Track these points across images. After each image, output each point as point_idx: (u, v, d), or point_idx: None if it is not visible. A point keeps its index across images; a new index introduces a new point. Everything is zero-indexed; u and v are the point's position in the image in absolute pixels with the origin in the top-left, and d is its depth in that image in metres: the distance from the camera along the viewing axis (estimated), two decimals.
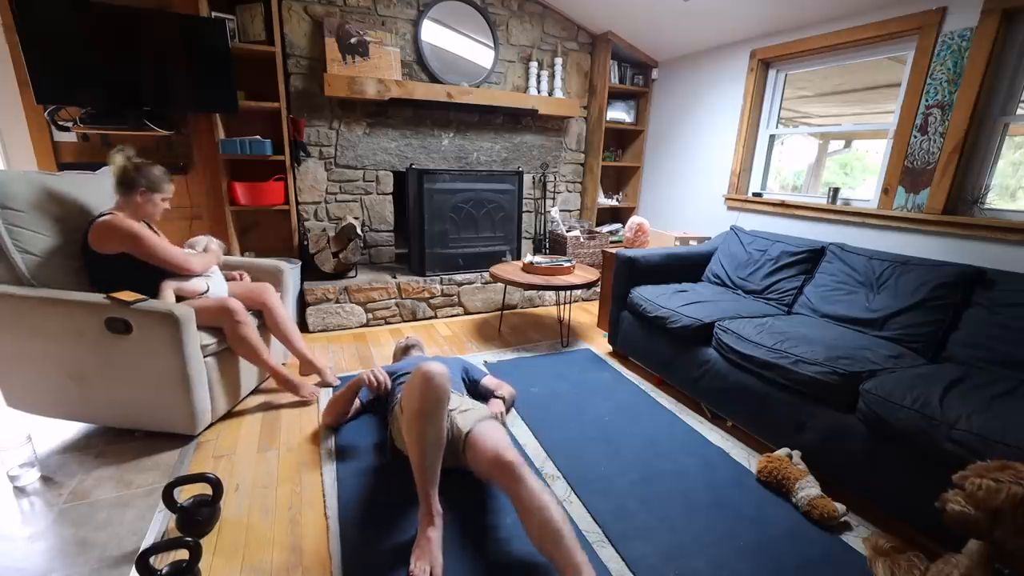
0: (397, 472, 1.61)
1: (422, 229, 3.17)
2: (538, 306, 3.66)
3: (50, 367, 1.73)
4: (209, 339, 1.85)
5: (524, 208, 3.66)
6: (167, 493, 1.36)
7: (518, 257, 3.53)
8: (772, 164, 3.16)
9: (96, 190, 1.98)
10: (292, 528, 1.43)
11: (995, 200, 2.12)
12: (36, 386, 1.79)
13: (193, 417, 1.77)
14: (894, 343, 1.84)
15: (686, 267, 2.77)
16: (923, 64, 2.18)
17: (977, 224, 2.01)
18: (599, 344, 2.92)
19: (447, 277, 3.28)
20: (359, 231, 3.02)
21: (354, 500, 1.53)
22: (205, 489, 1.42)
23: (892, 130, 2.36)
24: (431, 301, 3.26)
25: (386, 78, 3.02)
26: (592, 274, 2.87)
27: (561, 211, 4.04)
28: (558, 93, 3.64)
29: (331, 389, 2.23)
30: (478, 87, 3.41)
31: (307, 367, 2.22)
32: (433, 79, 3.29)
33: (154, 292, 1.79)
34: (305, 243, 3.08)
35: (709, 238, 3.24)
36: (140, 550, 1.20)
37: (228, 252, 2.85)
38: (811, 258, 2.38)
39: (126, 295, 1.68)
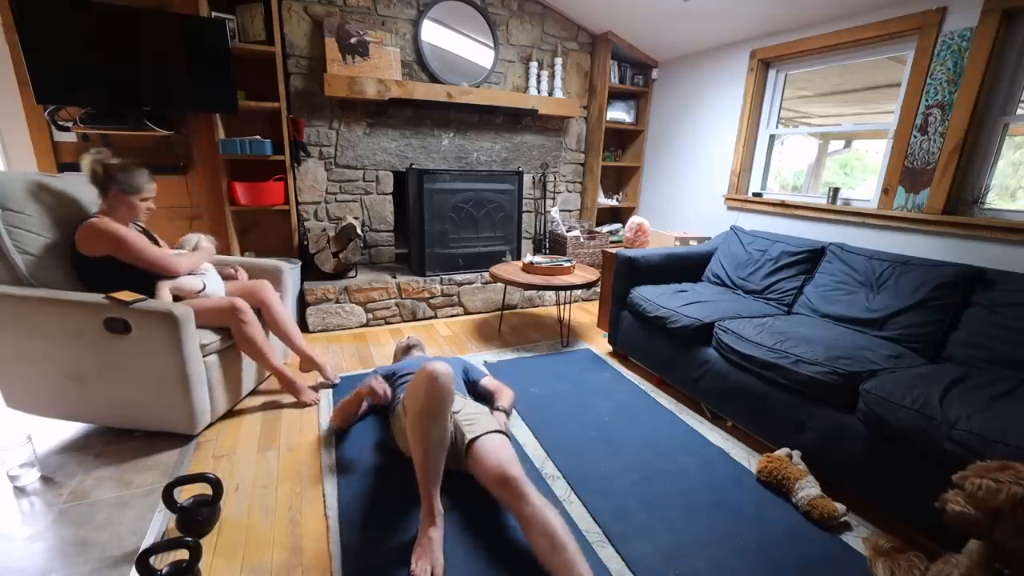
0: (398, 472, 1.61)
1: (422, 229, 3.17)
2: (538, 306, 3.66)
3: (49, 367, 1.73)
4: (209, 338, 1.85)
5: (524, 208, 3.66)
6: (167, 493, 1.36)
7: (518, 257, 3.53)
8: (772, 164, 3.16)
9: (93, 191, 1.97)
10: (292, 528, 1.43)
11: (995, 200, 2.12)
12: (36, 386, 1.79)
13: (192, 417, 1.77)
14: (894, 343, 1.84)
15: (686, 267, 2.77)
16: (923, 64, 2.18)
17: (977, 224, 2.01)
18: (599, 344, 2.92)
19: (447, 277, 3.28)
20: (359, 231, 3.02)
21: (354, 500, 1.53)
22: (205, 489, 1.42)
23: (892, 130, 2.36)
24: (431, 301, 3.26)
25: (386, 78, 3.02)
26: (592, 274, 2.87)
27: (561, 211, 4.04)
28: (558, 93, 3.64)
29: (332, 388, 2.23)
30: (478, 87, 3.41)
31: (307, 363, 2.22)
32: (433, 79, 3.29)
33: (140, 292, 1.78)
34: (305, 243, 3.08)
35: (709, 238, 3.24)
36: (140, 550, 1.20)
37: (228, 252, 2.86)
38: (811, 258, 2.38)
39: (125, 295, 1.67)
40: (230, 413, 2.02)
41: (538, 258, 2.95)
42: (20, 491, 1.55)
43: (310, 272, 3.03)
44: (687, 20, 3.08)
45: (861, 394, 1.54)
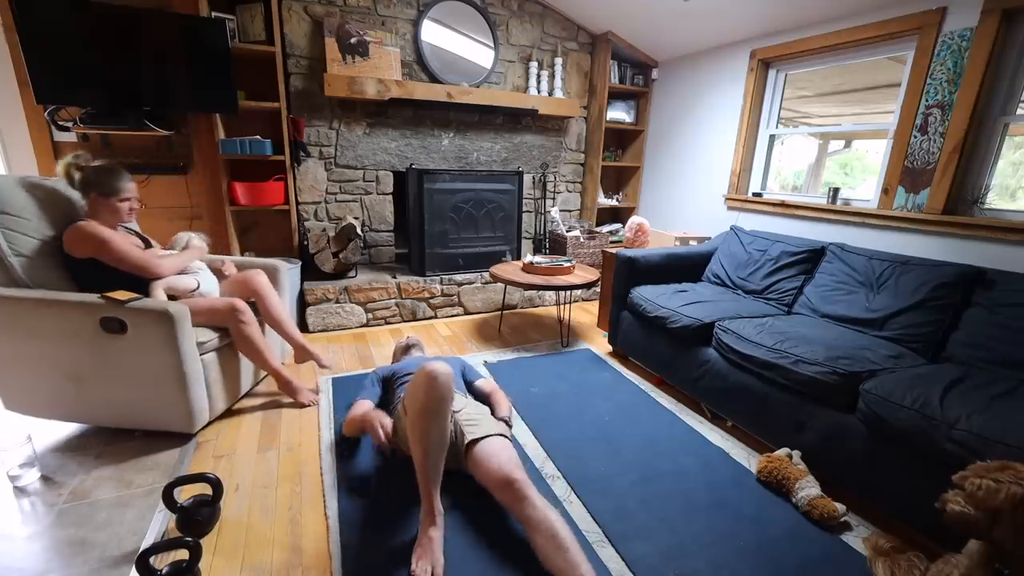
0: (398, 472, 1.61)
1: (422, 229, 3.17)
2: (538, 306, 3.66)
3: (47, 368, 1.73)
4: (206, 336, 1.85)
5: (524, 208, 3.66)
6: (167, 493, 1.36)
7: (518, 257, 3.53)
8: (772, 164, 3.16)
9: None
10: (292, 528, 1.43)
11: (995, 200, 2.12)
12: (34, 388, 1.78)
13: (191, 416, 1.77)
14: (894, 343, 1.84)
15: (686, 267, 2.77)
16: (923, 64, 2.18)
17: (977, 224, 2.01)
18: (599, 344, 2.92)
19: (447, 277, 3.28)
20: (359, 231, 3.02)
21: (354, 500, 1.53)
22: (205, 489, 1.42)
23: (892, 130, 2.36)
24: (431, 301, 3.26)
25: (386, 78, 3.02)
26: (592, 274, 2.87)
27: (561, 211, 4.04)
28: (558, 93, 3.64)
29: (332, 388, 2.23)
30: (478, 87, 3.41)
31: (302, 353, 2.20)
32: (433, 79, 3.29)
33: (134, 292, 1.77)
34: (305, 243, 3.08)
35: (709, 238, 3.24)
36: (140, 550, 1.20)
37: (228, 252, 2.86)
38: (811, 258, 2.38)
39: (120, 294, 1.67)
40: (230, 413, 2.02)
41: (538, 258, 2.95)
42: (20, 491, 1.55)
43: (310, 272, 3.03)
44: (687, 20, 3.08)
45: (861, 394, 1.54)
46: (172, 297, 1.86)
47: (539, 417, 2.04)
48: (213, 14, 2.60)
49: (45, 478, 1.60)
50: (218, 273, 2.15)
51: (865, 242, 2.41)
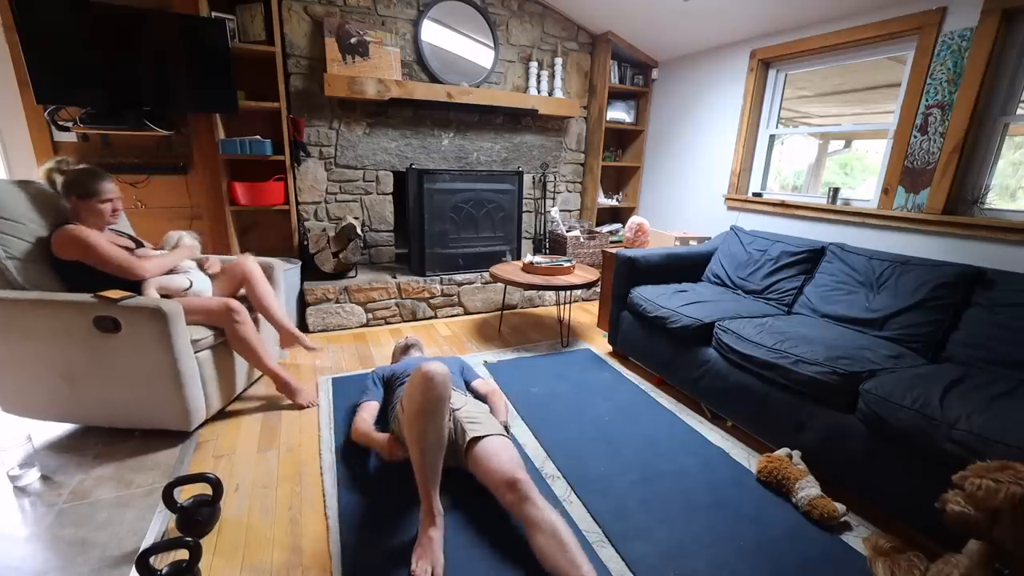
0: (398, 472, 1.61)
1: (422, 229, 3.17)
2: (538, 306, 3.66)
3: (42, 369, 1.73)
4: (200, 334, 1.85)
5: (524, 208, 3.66)
6: (167, 493, 1.36)
7: (518, 257, 3.53)
8: (772, 164, 3.16)
9: None
10: (292, 528, 1.43)
11: (995, 200, 2.12)
12: (30, 389, 1.78)
13: (187, 414, 1.77)
14: (894, 343, 1.84)
15: (686, 267, 2.77)
16: (923, 64, 2.18)
17: (977, 224, 2.01)
18: (599, 344, 2.92)
19: (447, 277, 3.28)
20: (359, 231, 3.02)
21: (354, 500, 1.53)
22: (205, 489, 1.42)
23: (892, 130, 2.36)
24: (431, 301, 3.26)
25: (386, 78, 3.02)
26: (592, 274, 2.87)
27: (561, 211, 4.04)
28: (558, 93, 3.64)
29: (332, 387, 2.24)
30: (478, 87, 3.41)
31: (287, 338, 2.18)
32: (433, 79, 3.29)
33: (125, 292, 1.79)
34: (305, 243, 3.08)
35: (709, 238, 3.24)
36: (140, 550, 1.20)
37: (228, 252, 2.86)
38: (811, 258, 2.38)
39: (113, 293, 1.68)
40: (230, 413, 2.02)
41: (538, 258, 2.95)
42: (20, 491, 1.55)
43: (310, 272, 3.03)
44: (687, 20, 3.08)
45: (861, 394, 1.54)
46: (166, 296, 1.86)
47: (539, 417, 2.04)
48: (213, 14, 2.60)
49: (45, 478, 1.60)
50: (202, 268, 2.15)
51: (865, 242, 2.41)
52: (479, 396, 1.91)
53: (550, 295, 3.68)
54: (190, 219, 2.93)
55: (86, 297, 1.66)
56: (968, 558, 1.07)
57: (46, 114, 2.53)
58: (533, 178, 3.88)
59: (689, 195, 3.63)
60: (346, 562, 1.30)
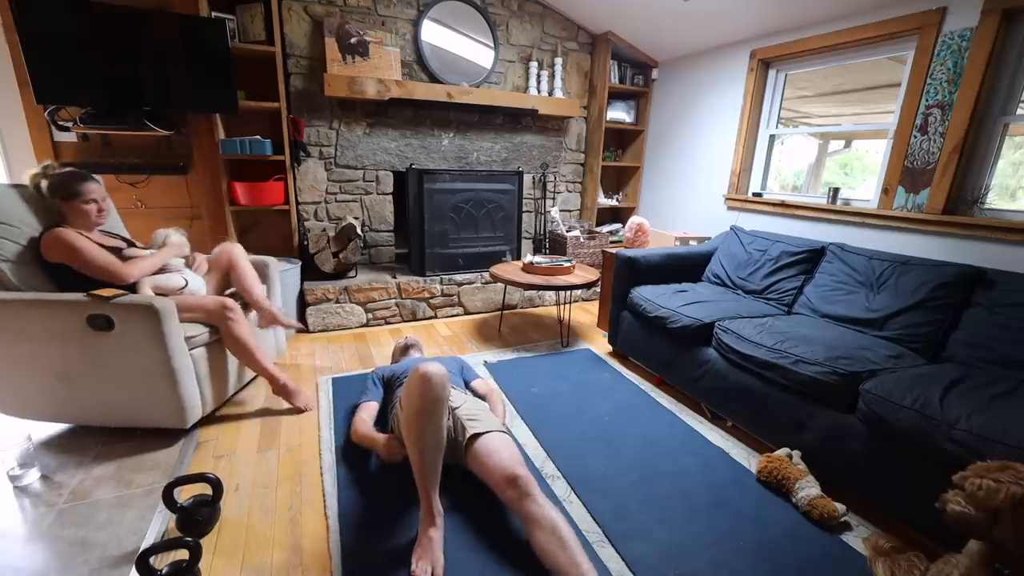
0: (398, 472, 1.61)
1: (422, 229, 3.17)
2: (538, 306, 3.66)
3: (37, 369, 1.73)
4: (194, 331, 1.85)
5: (524, 208, 3.66)
6: (167, 493, 1.36)
7: (518, 257, 3.53)
8: (772, 164, 3.16)
9: None
10: (292, 528, 1.43)
11: (995, 200, 2.12)
12: (26, 390, 1.78)
13: (182, 411, 1.77)
14: (894, 343, 1.84)
15: (686, 267, 2.77)
16: (923, 64, 2.18)
17: (977, 224, 2.01)
18: (599, 344, 2.92)
19: (447, 277, 3.28)
20: (359, 231, 3.02)
21: (354, 500, 1.53)
22: (205, 489, 1.42)
23: (892, 130, 2.36)
24: (431, 301, 3.26)
25: (386, 78, 3.02)
26: (592, 274, 2.87)
27: (561, 211, 4.04)
28: (558, 93, 3.64)
29: (333, 388, 2.23)
30: (478, 87, 3.41)
31: (267, 317, 2.15)
32: (433, 79, 3.29)
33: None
34: (305, 243, 3.08)
35: (709, 238, 3.24)
36: (140, 550, 1.20)
37: None
38: (811, 258, 2.38)
39: (105, 291, 1.68)
40: (229, 413, 2.02)
41: (538, 258, 2.95)
42: (20, 491, 1.55)
43: (310, 272, 3.03)
44: (687, 20, 3.08)
45: (861, 394, 1.54)
46: (162, 295, 1.86)
47: (539, 417, 2.04)
48: (213, 14, 2.60)
49: (45, 478, 1.60)
50: (187, 265, 2.15)
51: (865, 242, 2.41)
52: (477, 397, 1.91)
53: (550, 295, 3.68)
54: (190, 219, 2.93)
55: (79, 296, 1.66)
56: (968, 558, 1.07)
57: (46, 114, 2.53)
58: (533, 178, 3.88)
59: (689, 195, 3.63)
60: (346, 562, 1.30)
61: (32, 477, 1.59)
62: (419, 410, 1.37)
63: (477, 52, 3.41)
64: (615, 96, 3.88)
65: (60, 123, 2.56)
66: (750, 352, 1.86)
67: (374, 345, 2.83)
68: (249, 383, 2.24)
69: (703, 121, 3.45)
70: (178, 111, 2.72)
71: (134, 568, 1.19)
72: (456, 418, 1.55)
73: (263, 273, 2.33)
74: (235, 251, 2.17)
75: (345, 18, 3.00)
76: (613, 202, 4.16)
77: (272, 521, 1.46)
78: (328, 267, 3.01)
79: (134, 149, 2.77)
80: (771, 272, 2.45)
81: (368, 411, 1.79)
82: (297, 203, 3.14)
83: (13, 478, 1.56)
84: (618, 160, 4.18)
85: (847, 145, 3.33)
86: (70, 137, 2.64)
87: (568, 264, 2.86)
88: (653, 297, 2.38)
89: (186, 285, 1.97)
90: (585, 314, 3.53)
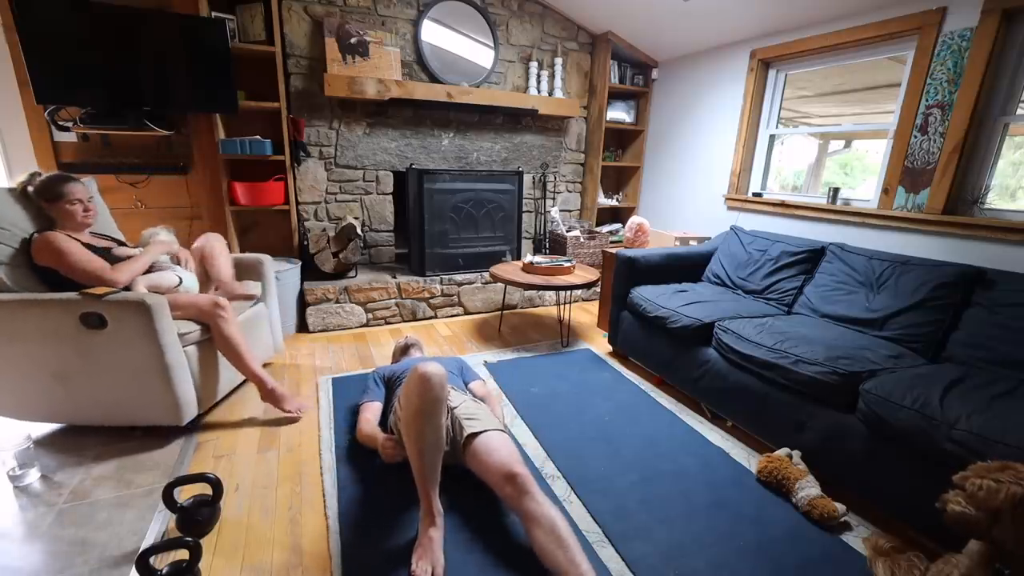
0: (398, 472, 1.61)
1: (422, 229, 3.17)
2: (538, 306, 3.66)
3: (33, 370, 1.73)
4: (187, 328, 1.85)
5: (524, 208, 3.66)
6: (167, 493, 1.36)
7: (518, 257, 3.53)
8: (772, 164, 3.16)
9: None
10: (292, 528, 1.43)
11: (995, 200, 2.12)
12: (22, 390, 1.78)
13: (177, 407, 1.77)
14: (894, 343, 1.84)
15: (686, 267, 2.77)
16: (923, 64, 2.18)
17: (977, 224, 2.01)
18: (599, 344, 2.92)
19: (447, 277, 3.28)
20: (359, 231, 3.02)
21: (354, 500, 1.53)
22: (205, 489, 1.43)
23: (892, 130, 2.36)
24: (431, 301, 3.26)
25: (386, 78, 3.02)
26: (592, 274, 2.87)
27: (561, 211, 4.04)
28: (558, 93, 3.64)
29: (333, 387, 2.23)
30: (478, 87, 3.41)
31: (225, 288, 2.12)
32: (433, 79, 3.29)
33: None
34: (305, 243, 3.08)
35: (709, 238, 3.24)
36: (140, 550, 1.20)
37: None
38: (811, 258, 2.38)
39: (97, 289, 1.68)
40: (229, 413, 2.02)
41: (538, 258, 2.95)
42: (20, 491, 1.55)
43: (310, 272, 3.03)
44: (687, 20, 3.08)
45: (861, 394, 1.54)
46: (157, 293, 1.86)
47: (539, 417, 2.04)
48: (213, 14, 2.60)
49: (45, 478, 1.61)
50: (177, 262, 2.15)
51: (865, 242, 2.41)
52: (476, 398, 1.91)
53: (550, 295, 3.68)
54: (190, 219, 2.93)
55: (71, 295, 1.67)
56: (968, 558, 1.07)
57: (46, 114, 2.53)
58: (533, 178, 3.88)
59: (689, 195, 3.63)
60: (346, 562, 1.30)
61: (32, 477, 1.59)
62: (418, 410, 1.37)
63: (477, 52, 3.41)
64: (615, 96, 3.88)
65: (60, 123, 2.56)
66: (750, 352, 1.86)
67: (374, 345, 2.83)
68: (245, 381, 2.24)
69: (703, 121, 3.45)
70: (178, 111, 2.72)
71: (134, 568, 1.19)
72: (454, 417, 1.55)
73: (257, 270, 2.33)
74: (210, 238, 2.18)
75: (345, 18, 3.00)
76: (613, 202, 4.16)
77: (272, 521, 1.46)
78: (328, 267, 3.01)
79: (134, 149, 2.77)
80: (771, 272, 2.45)
81: (371, 411, 1.79)
82: (297, 203, 3.14)
83: (13, 478, 1.56)
84: (618, 160, 4.18)
85: (847, 145, 3.33)
86: (70, 137, 2.64)
87: (568, 264, 2.86)
88: (653, 297, 2.38)
89: (180, 283, 1.98)
90: (585, 314, 3.53)
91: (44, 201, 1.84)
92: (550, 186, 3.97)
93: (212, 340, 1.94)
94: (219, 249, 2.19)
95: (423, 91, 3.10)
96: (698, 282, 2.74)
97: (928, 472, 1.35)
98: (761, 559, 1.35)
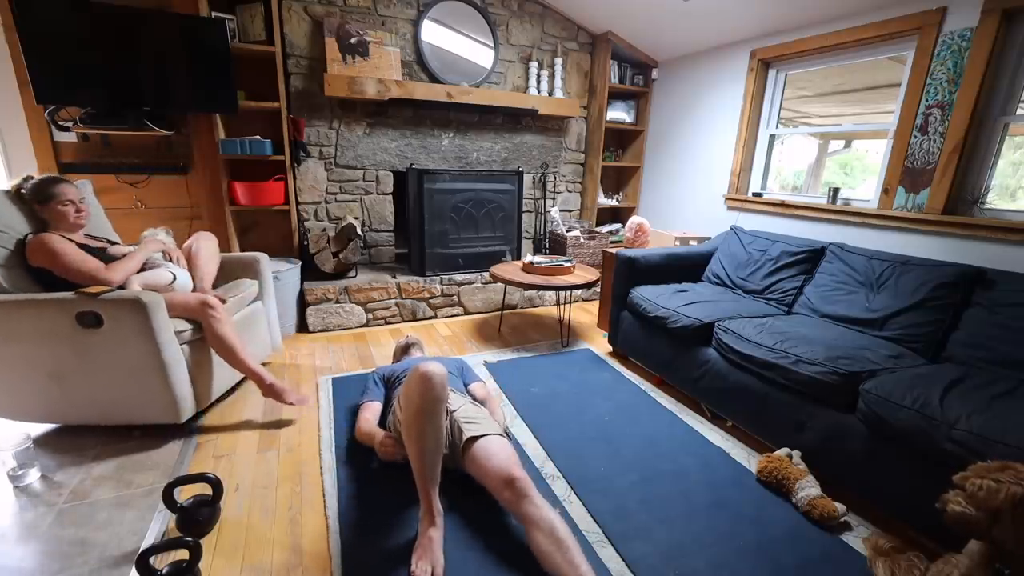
0: (398, 472, 1.61)
1: (422, 229, 3.17)
2: (538, 306, 3.66)
3: (30, 370, 1.73)
4: (181, 326, 1.85)
5: (524, 208, 3.66)
6: (167, 493, 1.36)
7: (518, 257, 3.53)
8: (772, 164, 3.16)
9: None
10: (292, 528, 1.43)
11: (995, 200, 2.12)
12: (20, 391, 1.78)
13: (175, 405, 1.77)
14: (894, 343, 1.84)
15: (686, 267, 2.77)
16: (923, 64, 2.18)
17: (977, 224, 2.01)
18: (599, 344, 2.92)
19: (447, 277, 3.28)
20: (359, 231, 3.02)
21: (354, 500, 1.53)
22: (205, 489, 1.42)
23: (892, 130, 2.36)
24: (431, 301, 3.26)
25: (386, 78, 3.02)
26: (592, 274, 2.87)
27: (561, 211, 4.04)
28: (558, 93, 3.64)
29: (333, 387, 2.23)
30: (478, 87, 3.41)
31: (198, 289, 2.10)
32: (433, 79, 3.29)
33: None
34: (305, 243, 3.08)
35: (709, 238, 3.24)
36: (140, 550, 1.20)
37: (228, 251, 2.85)
38: (811, 258, 2.38)
39: (93, 288, 1.68)
40: (229, 413, 2.02)
41: (538, 258, 2.95)
42: (20, 491, 1.55)
43: (310, 272, 3.03)
44: (687, 20, 3.08)
45: (861, 394, 1.54)
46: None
47: (539, 417, 2.04)
48: (213, 14, 2.60)
49: (45, 478, 1.60)
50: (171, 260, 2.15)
51: (865, 242, 2.41)
52: (476, 401, 1.91)
53: (550, 295, 3.68)
54: (190, 219, 2.93)
55: (67, 294, 1.67)
56: (968, 558, 1.07)
57: (46, 114, 2.53)
58: (533, 178, 3.88)
59: (689, 195, 3.63)
60: (346, 562, 1.30)
61: (32, 477, 1.59)
62: (419, 409, 1.37)
63: (477, 52, 3.41)
64: (615, 96, 3.88)
65: (60, 123, 2.56)
66: (750, 352, 1.86)
67: (374, 345, 2.83)
68: (244, 380, 2.24)
69: (703, 121, 3.45)
70: (178, 111, 2.72)
71: (134, 568, 1.19)
72: (453, 420, 1.54)
73: (253, 268, 2.33)
74: (199, 238, 2.18)
75: (345, 18, 3.00)
76: (613, 202, 4.16)
77: (272, 521, 1.46)
78: (328, 267, 3.02)
79: (134, 149, 2.77)
80: (771, 272, 2.45)
81: (371, 411, 1.79)
82: (297, 203, 3.14)
83: (13, 478, 1.56)
84: (618, 160, 4.18)
85: (847, 145, 3.33)
86: (70, 137, 2.64)
87: (568, 264, 2.86)
88: (653, 297, 2.38)
89: (175, 280, 1.98)
90: (585, 314, 3.53)
91: (36, 203, 1.84)
92: (550, 186, 3.97)
93: (204, 339, 1.94)
94: (205, 251, 2.17)
95: (423, 91, 3.10)
96: (698, 282, 2.74)
97: (928, 472, 1.35)
98: (761, 559, 1.35)
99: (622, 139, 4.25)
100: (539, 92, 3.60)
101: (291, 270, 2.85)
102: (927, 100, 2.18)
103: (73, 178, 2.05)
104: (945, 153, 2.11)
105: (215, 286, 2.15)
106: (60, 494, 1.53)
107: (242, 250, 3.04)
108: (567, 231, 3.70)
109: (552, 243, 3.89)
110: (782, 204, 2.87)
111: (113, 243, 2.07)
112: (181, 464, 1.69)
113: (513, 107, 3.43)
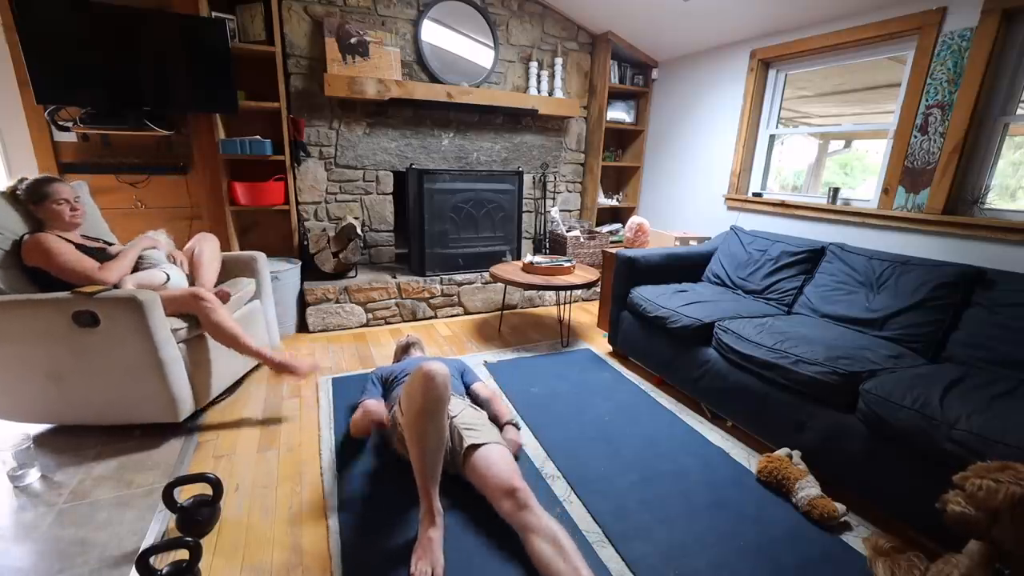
0: (398, 472, 1.61)
1: (422, 229, 3.17)
2: (538, 306, 3.66)
3: (27, 371, 1.73)
4: (177, 324, 1.84)
5: (524, 208, 3.66)
6: (167, 493, 1.36)
7: (518, 257, 3.53)
8: (772, 164, 3.16)
9: None
10: (292, 528, 1.43)
11: (995, 200, 2.12)
12: (18, 391, 1.78)
13: (173, 404, 1.77)
14: (894, 343, 1.84)
15: (686, 267, 2.76)
16: (923, 64, 2.18)
17: (977, 224, 2.01)
18: (599, 344, 2.92)
19: (447, 277, 3.28)
20: (359, 231, 3.02)
21: (354, 500, 1.53)
22: (205, 489, 1.42)
23: (892, 130, 2.36)
24: (431, 301, 3.26)
25: (386, 78, 3.02)
26: (592, 274, 2.87)
27: (561, 211, 4.04)
28: (558, 93, 3.64)
29: (332, 388, 2.23)
30: (478, 87, 3.41)
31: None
32: (433, 79, 3.29)
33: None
34: (305, 243, 3.08)
35: (709, 238, 3.24)
36: (140, 550, 1.20)
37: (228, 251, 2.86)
38: (811, 258, 2.38)
39: (88, 288, 1.69)
40: (229, 413, 2.02)
41: (538, 258, 2.95)
42: (20, 491, 1.55)
43: (310, 272, 3.03)
44: (687, 20, 3.08)
45: (861, 394, 1.54)
46: None
47: (539, 417, 2.04)
48: (213, 14, 2.60)
49: (45, 478, 1.60)
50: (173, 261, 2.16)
51: (865, 242, 2.41)
52: (479, 400, 1.90)
53: (550, 295, 3.68)
54: (190, 219, 2.93)
55: (63, 294, 1.67)
56: (968, 558, 1.07)
57: (46, 114, 2.53)
58: (533, 178, 3.88)
59: (689, 195, 3.63)
60: (346, 562, 1.30)
61: (32, 477, 1.59)
62: (422, 409, 1.37)
63: (477, 52, 3.41)
64: (615, 96, 3.88)
65: (60, 123, 2.56)
66: (750, 352, 1.86)
67: (374, 345, 2.83)
68: (242, 380, 2.25)
69: (703, 121, 3.45)
70: (178, 111, 2.72)
71: (134, 568, 1.19)
72: (454, 427, 1.54)
73: (251, 267, 2.33)
74: (201, 241, 2.18)
75: (345, 18, 3.00)
76: (613, 202, 4.16)
77: (272, 521, 1.46)
78: (328, 267, 3.02)
79: (134, 149, 2.77)
80: (771, 272, 2.45)
81: (365, 408, 1.79)
82: (297, 203, 3.14)
83: (13, 478, 1.56)
84: (618, 160, 4.18)
85: (847, 145, 3.33)
86: (70, 137, 2.64)
87: (568, 264, 2.86)
88: (653, 297, 2.38)
89: (168, 279, 1.97)
90: (585, 314, 3.53)
91: (31, 203, 1.85)
92: (550, 186, 3.97)
93: (201, 337, 1.93)
94: (207, 253, 2.17)
95: (423, 91, 3.10)
96: (698, 282, 2.74)
97: (928, 472, 1.35)
98: (761, 559, 1.35)
99: (622, 139, 4.25)
100: (539, 92, 3.60)
101: (291, 270, 2.85)
102: (927, 100, 2.18)
103: (73, 178, 2.06)
104: (945, 153, 2.11)
105: (216, 286, 2.15)
106: (60, 494, 1.53)
107: (242, 250, 3.04)
108: (567, 231, 3.70)
109: (552, 243, 3.89)
110: (782, 204, 2.87)
111: (110, 244, 2.07)
112: (181, 464, 1.69)
113: (513, 107, 3.43)
